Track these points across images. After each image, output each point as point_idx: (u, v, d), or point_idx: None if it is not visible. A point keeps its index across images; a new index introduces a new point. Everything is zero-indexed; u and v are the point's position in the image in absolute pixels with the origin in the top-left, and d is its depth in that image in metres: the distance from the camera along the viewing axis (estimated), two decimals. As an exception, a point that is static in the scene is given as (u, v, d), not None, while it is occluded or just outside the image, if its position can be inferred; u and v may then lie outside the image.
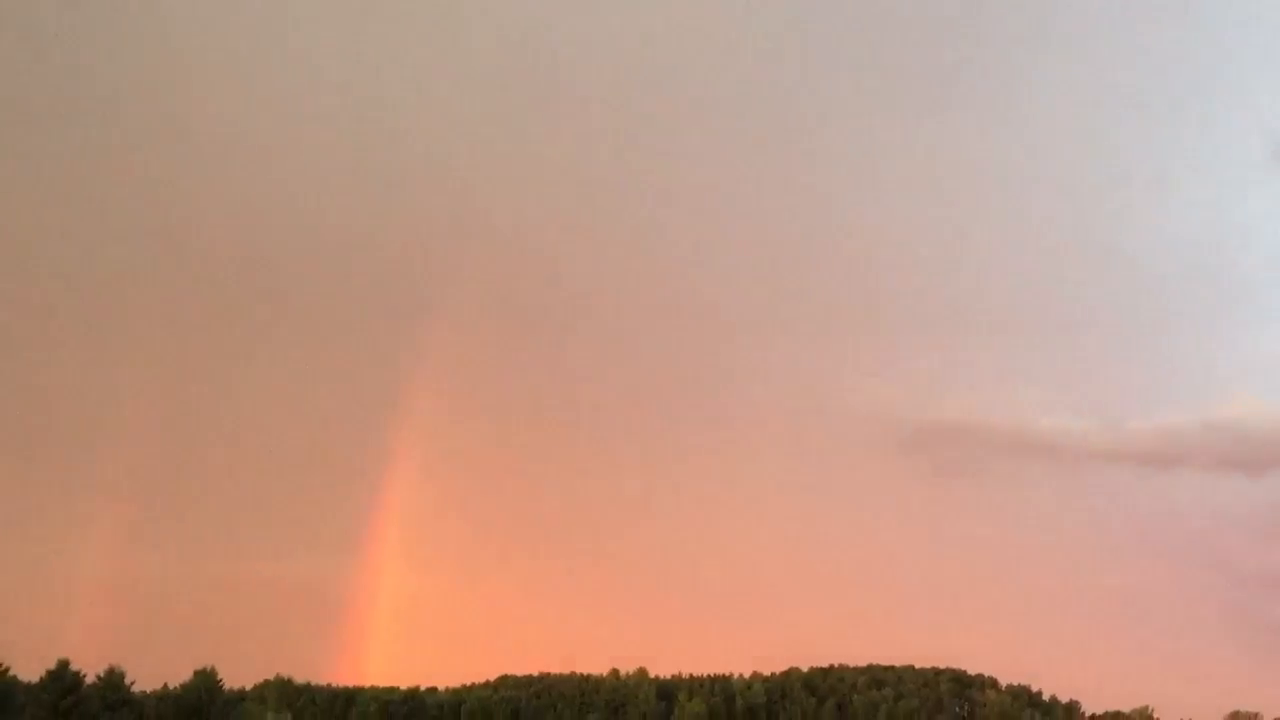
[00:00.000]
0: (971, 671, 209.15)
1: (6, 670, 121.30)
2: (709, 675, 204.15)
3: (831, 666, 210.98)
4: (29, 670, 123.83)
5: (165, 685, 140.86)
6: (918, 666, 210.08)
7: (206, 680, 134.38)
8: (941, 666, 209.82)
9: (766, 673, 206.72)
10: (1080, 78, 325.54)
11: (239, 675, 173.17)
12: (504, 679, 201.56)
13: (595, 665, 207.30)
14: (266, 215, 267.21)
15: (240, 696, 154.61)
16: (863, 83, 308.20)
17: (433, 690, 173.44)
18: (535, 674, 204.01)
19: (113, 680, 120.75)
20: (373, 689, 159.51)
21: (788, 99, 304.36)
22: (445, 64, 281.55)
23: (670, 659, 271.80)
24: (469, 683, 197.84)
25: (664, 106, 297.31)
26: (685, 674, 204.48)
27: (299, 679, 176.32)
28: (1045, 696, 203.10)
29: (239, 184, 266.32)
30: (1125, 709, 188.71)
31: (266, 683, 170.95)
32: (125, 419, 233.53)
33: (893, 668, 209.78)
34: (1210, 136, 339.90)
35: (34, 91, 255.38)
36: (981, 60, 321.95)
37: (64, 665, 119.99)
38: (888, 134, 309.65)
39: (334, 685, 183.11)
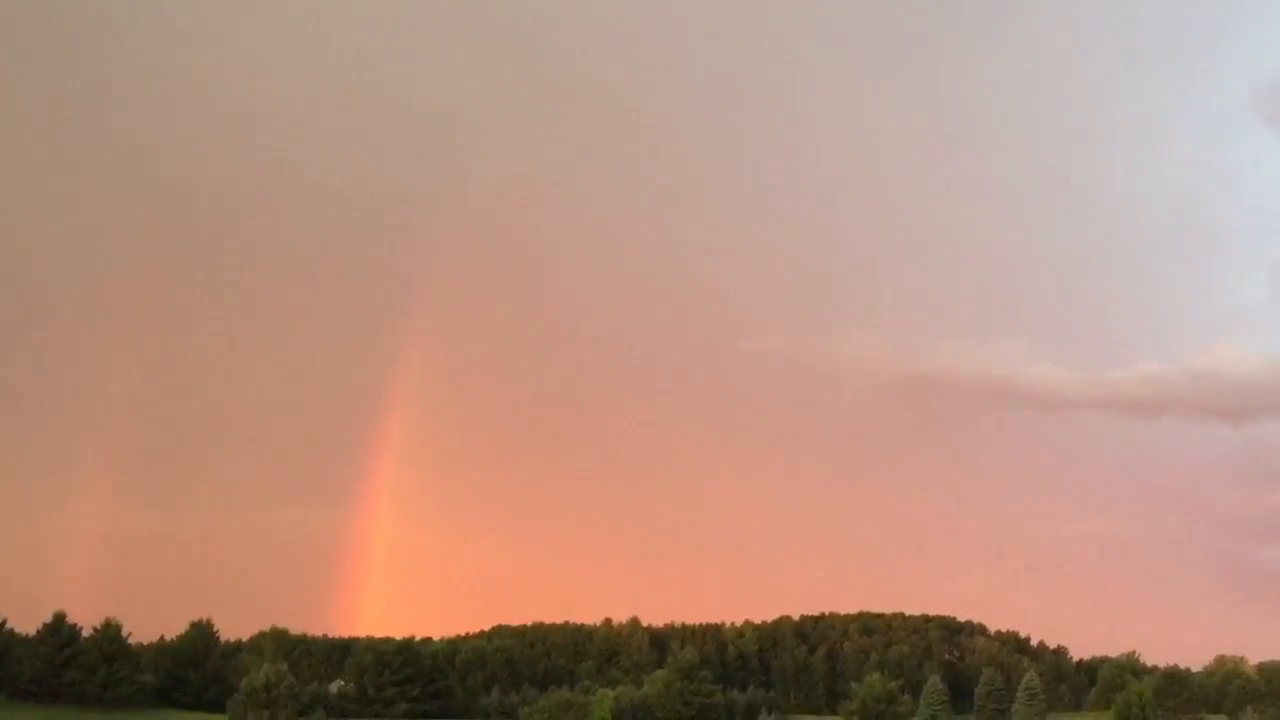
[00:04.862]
0: (960, 619, 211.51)
1: (3, 623, 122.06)
2: (701, 624, 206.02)
3: (822, 615, 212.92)
4: (26, 623, 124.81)
5: (162, 637, 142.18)
6: (907, 614, 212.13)
7: (203, 631, 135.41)
8: (931, 614, 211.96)
9: (758, 621, 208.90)
10: (1062, 26, 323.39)
11: (235, 626, 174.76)
12: (498, 629, 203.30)
13: (588, 615, 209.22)
14: (260, 171, 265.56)
15: (236, 647, 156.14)
16: (844, 33, 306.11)
17: (428, 640, 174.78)
18: (529, 624, 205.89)
19: (109, 632, 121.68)
20: (368, 639, 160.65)
21: (769, 52, 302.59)
22: (440, 33, 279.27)
23: (663, 608, 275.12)
24: (464, 632, 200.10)
25: (648, 70, 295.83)
26: (677, 623, 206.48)
27: (295, 630, 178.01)
28: (1033, 642, 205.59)
29: (230, 145, 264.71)
30: (1112, 654, 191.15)
31: (262, 634, 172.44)
32: (120, 373, 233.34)
33: (882, 615, 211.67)
34: (1193, 85, 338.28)
35: (20, 55, 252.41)
36: (964, 8, 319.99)
37: (60, 618, 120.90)
38: (870, 86, 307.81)
39: (329, 636, 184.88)
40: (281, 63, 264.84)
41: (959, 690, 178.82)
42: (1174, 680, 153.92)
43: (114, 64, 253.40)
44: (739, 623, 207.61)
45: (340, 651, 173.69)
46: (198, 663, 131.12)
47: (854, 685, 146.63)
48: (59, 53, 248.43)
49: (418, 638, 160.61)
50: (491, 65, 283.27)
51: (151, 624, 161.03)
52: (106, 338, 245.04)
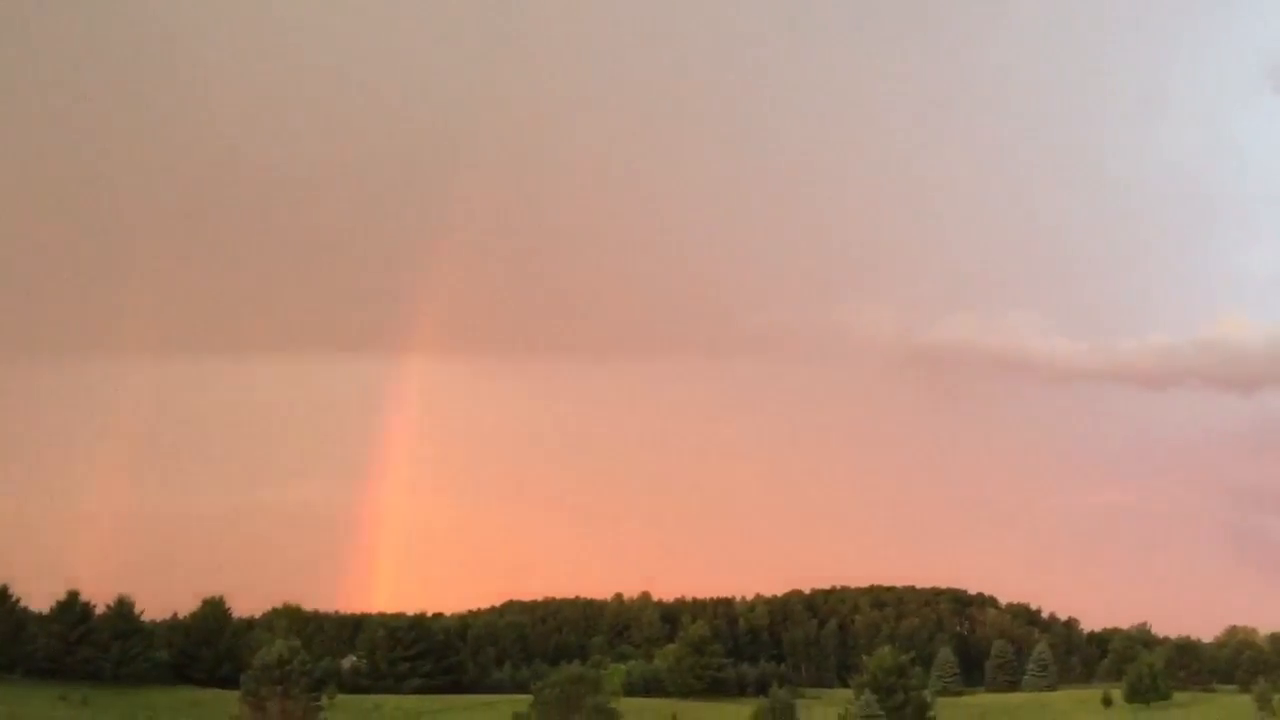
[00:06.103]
0: (971, 591, 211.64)
1: (17, 601, 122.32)
2: (712, 598, 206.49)
3: (833, 588, 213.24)
4: (39, 601, 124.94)
5: (174, 614, 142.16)
6: (918, 587, 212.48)
7: (215, 609, 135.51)
8: (942, 586, 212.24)
9: (769, 594, 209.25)
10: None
11: (248, 603, 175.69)
12: (509, 604, 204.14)
13: (599, 589, 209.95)
14: (271, 163, 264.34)
15: (249, 624, 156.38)
16: (851, 5, 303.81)
17: (439, 616, 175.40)
18: (540, 598, 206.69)
19: (122, 610, 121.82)
20: (380, 615, 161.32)
21: (773, 23, 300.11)
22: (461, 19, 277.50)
23: (673, 582, 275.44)
24: (475, 608, 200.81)
25: (662, 34, 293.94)
26: (688, 597, 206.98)
27: (307, 606, 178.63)
28: (1044, 614, 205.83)
29: (242, 138, 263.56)
30: (1123, 625, 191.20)
31: (275, 610, 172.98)
32: (128, 348, 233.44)
33: (893, 588, 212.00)
34: (1203, 55, 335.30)
35: (31, 54, 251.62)
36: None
37: (74, 595, 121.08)
38: (876, 59, 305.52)
39: (342, 612, 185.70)
40: (295, 55, 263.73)
41: (970, 663, 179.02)
42: (1185, 651, 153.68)
43: (129, 61, 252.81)
44: (750, 596, 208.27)
45: (352, 627, 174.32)
46: (211, 640, 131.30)
47: (865, 658, 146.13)
48: (73, 51, 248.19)
49: (429, 613, 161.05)
50: (505, 57, 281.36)
51: (164, 601, 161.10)
52: (116, 313, 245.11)
